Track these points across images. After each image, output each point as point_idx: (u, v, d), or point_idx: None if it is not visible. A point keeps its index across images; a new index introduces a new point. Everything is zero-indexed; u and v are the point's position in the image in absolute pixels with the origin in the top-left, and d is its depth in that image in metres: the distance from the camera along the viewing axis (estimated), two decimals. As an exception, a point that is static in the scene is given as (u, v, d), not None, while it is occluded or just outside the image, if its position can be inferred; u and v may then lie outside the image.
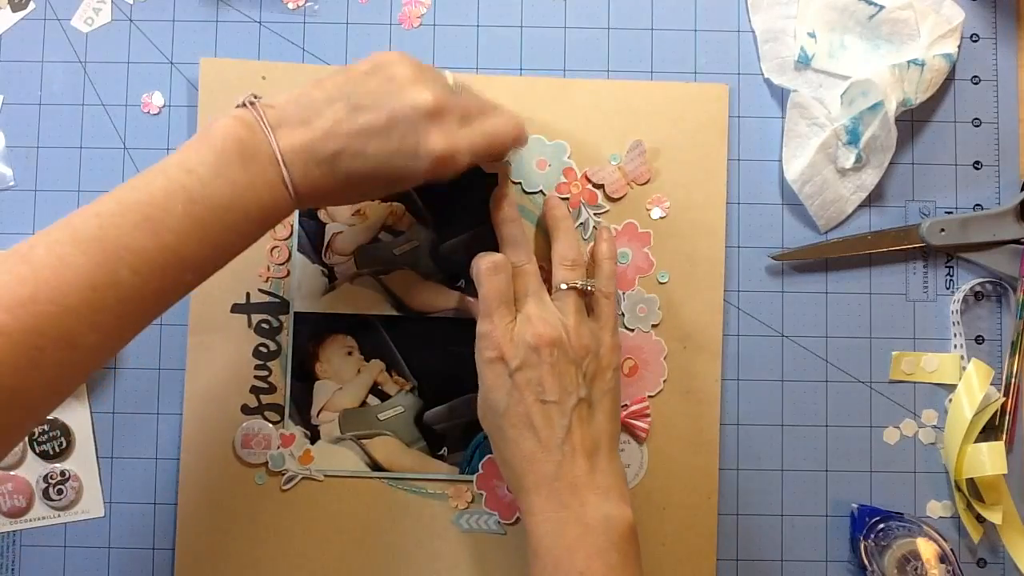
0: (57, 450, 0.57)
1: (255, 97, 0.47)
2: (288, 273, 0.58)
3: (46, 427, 0.57)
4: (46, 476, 0.57)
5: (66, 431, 0.57)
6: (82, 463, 0.58)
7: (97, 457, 0.58)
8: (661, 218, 0.58)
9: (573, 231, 0.55)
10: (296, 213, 0.58)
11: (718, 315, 0.58)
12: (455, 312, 0.58)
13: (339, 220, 0.58)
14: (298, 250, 0.58)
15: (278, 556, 0.57)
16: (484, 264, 0.51)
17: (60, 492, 0.57)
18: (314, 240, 0.58)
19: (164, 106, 0.59)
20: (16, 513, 0.57)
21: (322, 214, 0.58)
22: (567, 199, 0.58)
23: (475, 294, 0.53)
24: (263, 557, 0.57)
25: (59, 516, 0.57)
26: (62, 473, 0.57)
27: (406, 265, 0.58)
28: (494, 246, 0.55)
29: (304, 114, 0.46)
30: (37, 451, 0.57)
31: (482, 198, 0.58)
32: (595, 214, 0.58)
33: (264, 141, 0.45)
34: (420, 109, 0.46)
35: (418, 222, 0.59)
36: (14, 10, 0.60)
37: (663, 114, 0.59)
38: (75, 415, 0.58)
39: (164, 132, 0.59)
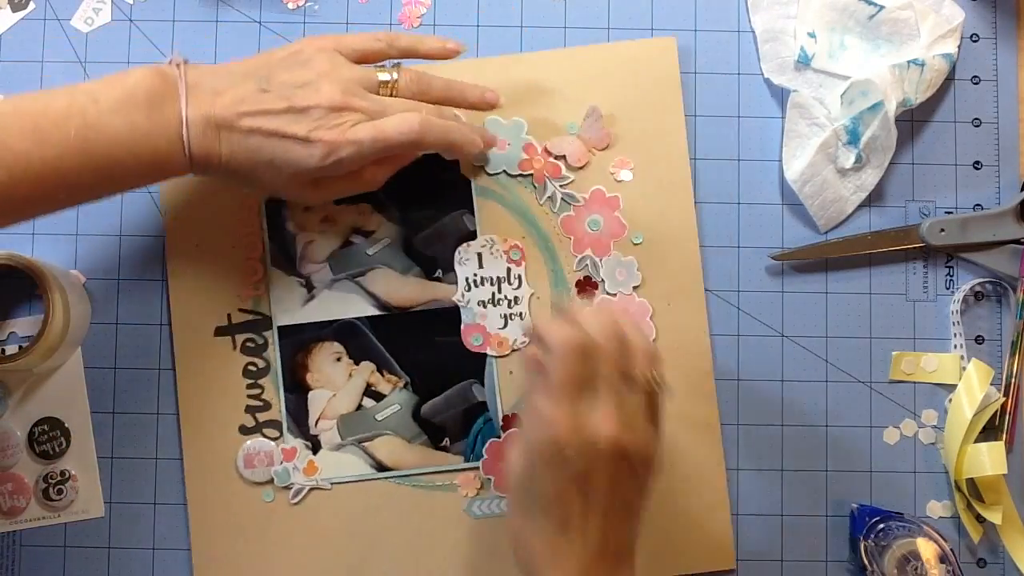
0: (57, 450, 0.57)
1: (184, 60, 0.49)
2: (266, 289, 0.58)
3: (46, 427, 0.57)
4: (46, 476, 0.57)
5: (66, 431, 0.57)
6: (82, 463, 0.58)
7: (97, 457, 0.58)
8: (628, 181, 0.58)
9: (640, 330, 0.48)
10: (264, 226, 0.58)
11: (697, 268, 0.58)
12: (436, 303, 0.58)
13: (309, 229, 0.58)
14: (272, 264, 0.58)
15: (297, 571, 0.56)
16: (570, 342, 0.44)
17: (60, 492, 0.57)
18: (287, 252, 0.58)
19: (164, 106, 0.59)
20: (16, 513, 0.57)
21: (291, 225, 0.58)
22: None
23: (453, 281, 0.54)
24: (282, 574, 0.57)
25: (59, 516, 0.57)
26: (62, 473, 0.57)
27: (381, 264, 0.58)
28: (465, 235, 0.58)
29: (219, 85, 0.49)
30: (37, 451, 0.57)
31: (442, 185, 0.58)
32: (561, 186, 0.58)
33: (175, 96, 0.47)
34: (322, 105, 0.49)
35: (387, 220, 0.59)
36: (14, 10, 0.60)
37: (614, 76, 0.59)
38: (75, 415, 0.58)
39: (164, 132, 0.59)
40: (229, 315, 0.58)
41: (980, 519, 0.57)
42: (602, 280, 0.58)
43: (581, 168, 0.58)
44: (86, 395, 0.58)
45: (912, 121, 0.60)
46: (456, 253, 0.58)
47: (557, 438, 0.43)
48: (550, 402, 0.44)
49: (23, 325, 0.58)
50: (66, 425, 0.57)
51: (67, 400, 0.58)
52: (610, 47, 0.59)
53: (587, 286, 0.58)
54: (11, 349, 0.56)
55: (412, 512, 0.57)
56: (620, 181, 0.58)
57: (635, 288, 0.58)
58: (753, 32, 0.60)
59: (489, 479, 0.57)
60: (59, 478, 0.57)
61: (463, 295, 0.58)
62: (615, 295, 0.58)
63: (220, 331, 0.58)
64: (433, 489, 0.57)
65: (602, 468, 0.44)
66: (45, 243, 0.58)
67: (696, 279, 0.58)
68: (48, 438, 0.57)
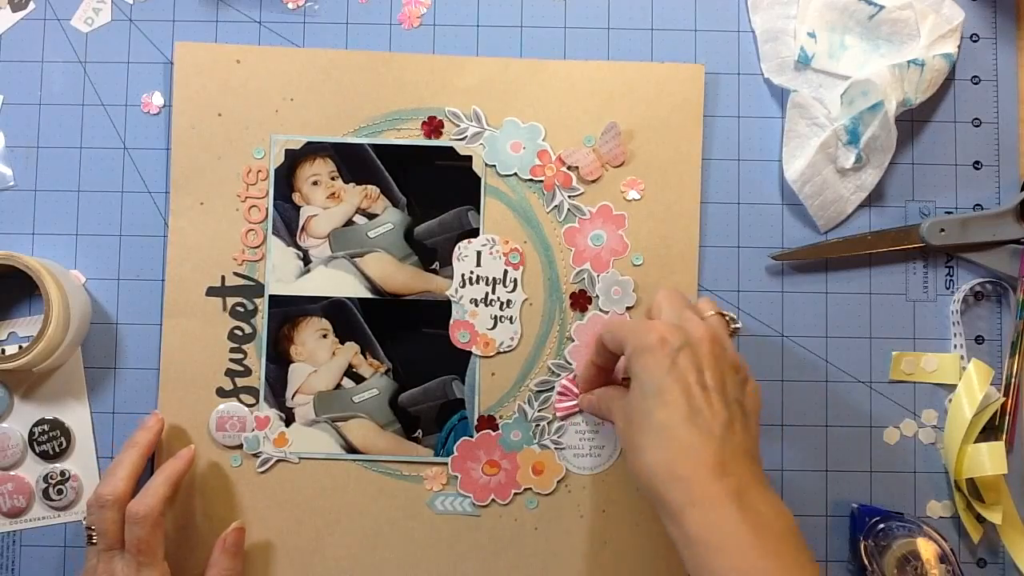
0: (57, 450, 0.57)
1: None
2: (263, 256, 0.58)
3: (46, 427, 0.57)
4: (46, 476, 0.57)
5: (66, 431, 0.57)
6: (82, 463, 0.58)
7: (97, 457, 0.58)
8: (636, 200, 0.59)
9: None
10: (271, 194, 0.58)
11: (693, 298, 0.58)
12: (429, 294, 0.58)
13: (314, 203, 0.58)
14: (273, 233, 0.58)
15: (255, 538, 0.57)
16: (665, 290, 0.50)
17: (60, 492, 0.57)
18: (289, 223, 0.58)
19: (164, 106, 0.59)
20: (16, 513, 0.57)
21: (296, 196, 0.58)
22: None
23: (449, 275, 0.56)
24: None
25: (59, 516, 0.57)
26: (62, 473, 0.57)
27: (380, 248, 0.59)
28: (468, 231, 0.58)
29: None
30: (37, 451, 0.57)
31: (452, 179, 0.58)
32: (569, 197, 0.58)
33: None
34: None
35: (392, 205, 0.59)
36: (14, 10, 0.60)
37: (638, 95, 0.59)
38: (75, 415, 0.58)
39: (164, 132, 0.59)
40: (223, 277, 0.58)
41: (980, 519, 0.57)
42: (596, 296, 0.58)
43: (592, 182, 0.58)
44: (86, 395, 0.58)
45: (912, 121, 0.60)
46: (456, 248, 0.58)
47: (660, 332, 0.46)
48: (645, 318, 0.50)
49: (23, 325, 0.58)
50: (66, 425, 0.57)
51: (67, 400, 0.58)
52: (638, 66, 0.59)
53: (581, 300, 0.58)
54: (11, 349, 0.56)
55: (375, 498, 0.57)
56: (629, 200, 0.58)
57: (628, 309, 0.58)
58: (753, 32, 0.60)
59: (456, 477, 0.57)
60: (59, 478, 0.57)
61: (457, 290, 0.58)
62: (607, 313, 0.58)
63: (212, 291, 0.58)
64: (399, 478, 0.58)
65: (707, 356, 0.46)
66: (45, 243, 0.58)
67: None
68: (48, 438, 0.57)
